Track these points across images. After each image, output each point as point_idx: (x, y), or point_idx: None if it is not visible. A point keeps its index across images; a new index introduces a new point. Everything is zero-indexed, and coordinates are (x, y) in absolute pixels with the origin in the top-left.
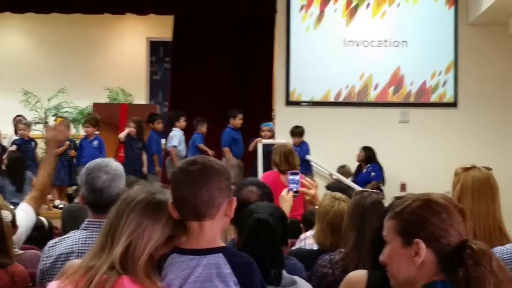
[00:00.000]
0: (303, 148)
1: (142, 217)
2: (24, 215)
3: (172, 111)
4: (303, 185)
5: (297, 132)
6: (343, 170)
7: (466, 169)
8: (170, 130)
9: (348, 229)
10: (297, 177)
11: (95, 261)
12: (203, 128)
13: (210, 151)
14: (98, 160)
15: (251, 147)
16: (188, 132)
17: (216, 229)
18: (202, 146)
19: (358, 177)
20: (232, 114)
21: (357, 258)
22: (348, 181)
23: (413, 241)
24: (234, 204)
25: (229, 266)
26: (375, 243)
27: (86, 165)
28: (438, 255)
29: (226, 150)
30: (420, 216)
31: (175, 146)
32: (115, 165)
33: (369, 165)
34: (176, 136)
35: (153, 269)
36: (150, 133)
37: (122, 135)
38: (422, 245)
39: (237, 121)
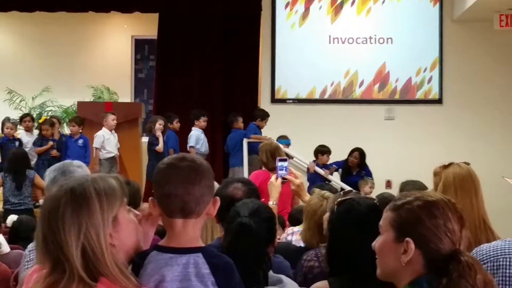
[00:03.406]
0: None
1: (77, 218)
2: None
3: (195, 110)
4: (291, 173)
5: (324, 151)
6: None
7: (445, 167)
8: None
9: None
10: (285, 164)
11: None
12: (239, 123)
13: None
14: (59, 164)
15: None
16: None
17: (198, 228)
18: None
19: (349, 179)
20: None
21: None
22: (339, 182)
23: (405, 238)
24: (218, 204)
25: (207, 267)
26: (332, 250)
27: (51, 169)
28: (426, 258)
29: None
30: (416, 216)
31: (192, 147)
32: (76, 162)
33: (361, 169)
34: (193, 136)
35: (123, 264)
36: (167, 132)
37: (160, 145)
38: (412, 245)
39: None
